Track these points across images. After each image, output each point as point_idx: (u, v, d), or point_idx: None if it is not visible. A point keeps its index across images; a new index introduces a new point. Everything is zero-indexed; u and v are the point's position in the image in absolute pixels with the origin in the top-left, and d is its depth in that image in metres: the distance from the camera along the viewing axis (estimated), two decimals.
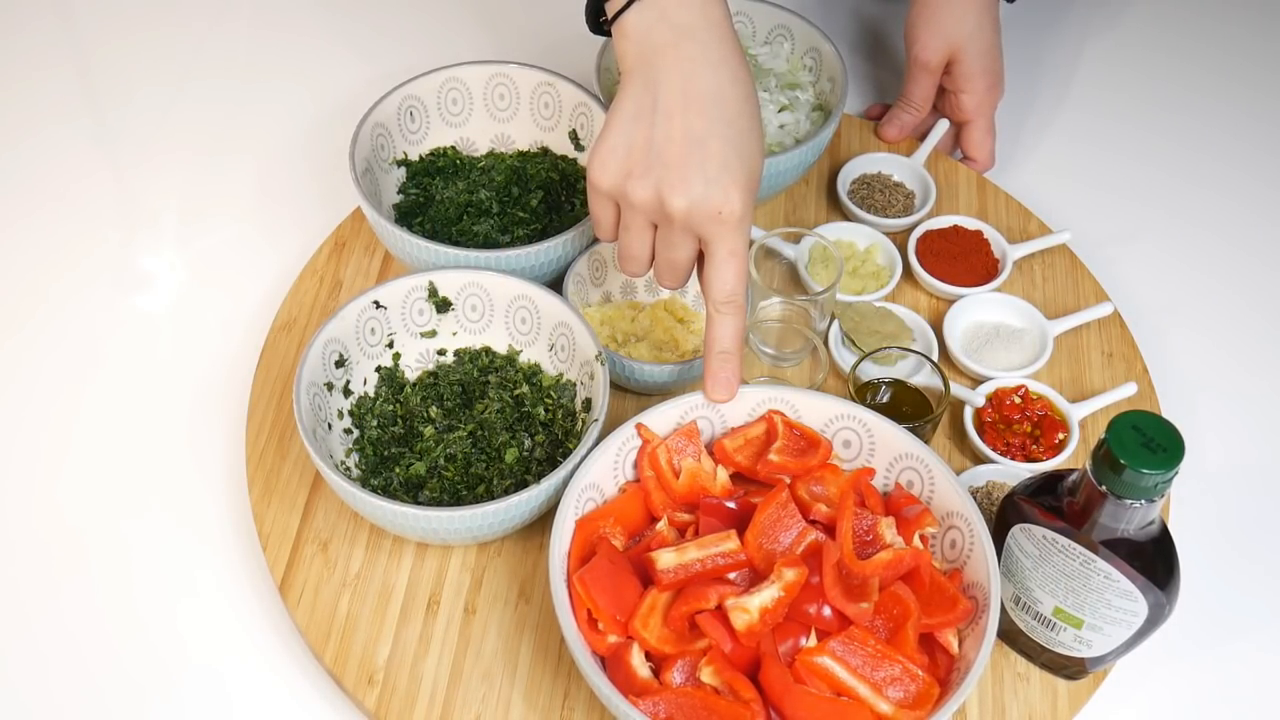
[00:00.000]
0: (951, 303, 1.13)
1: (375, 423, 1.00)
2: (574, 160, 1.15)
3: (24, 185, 1.24)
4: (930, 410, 1.01)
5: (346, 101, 1.31)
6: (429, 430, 0.99)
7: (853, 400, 0.99)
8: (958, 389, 1.04)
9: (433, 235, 1.09)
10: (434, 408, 1.00)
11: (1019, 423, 1.05)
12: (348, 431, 1.00)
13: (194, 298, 1.16)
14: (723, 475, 0.93)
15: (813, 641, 0.83)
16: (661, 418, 0.94)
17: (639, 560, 0.88)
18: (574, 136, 1.14)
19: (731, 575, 0.87)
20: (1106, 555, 0.83)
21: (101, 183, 1.25)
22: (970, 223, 1.17)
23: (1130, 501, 0.80)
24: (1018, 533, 0.88)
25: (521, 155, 1.15)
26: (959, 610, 0.85)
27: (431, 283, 1.01)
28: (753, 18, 1.23)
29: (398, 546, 0.98)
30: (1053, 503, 0.86)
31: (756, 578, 0.86)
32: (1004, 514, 0.90)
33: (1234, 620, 0.99)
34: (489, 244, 1.08)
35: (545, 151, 1.16)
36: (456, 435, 0.98)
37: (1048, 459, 1.03)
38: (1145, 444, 0.78)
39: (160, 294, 1.18)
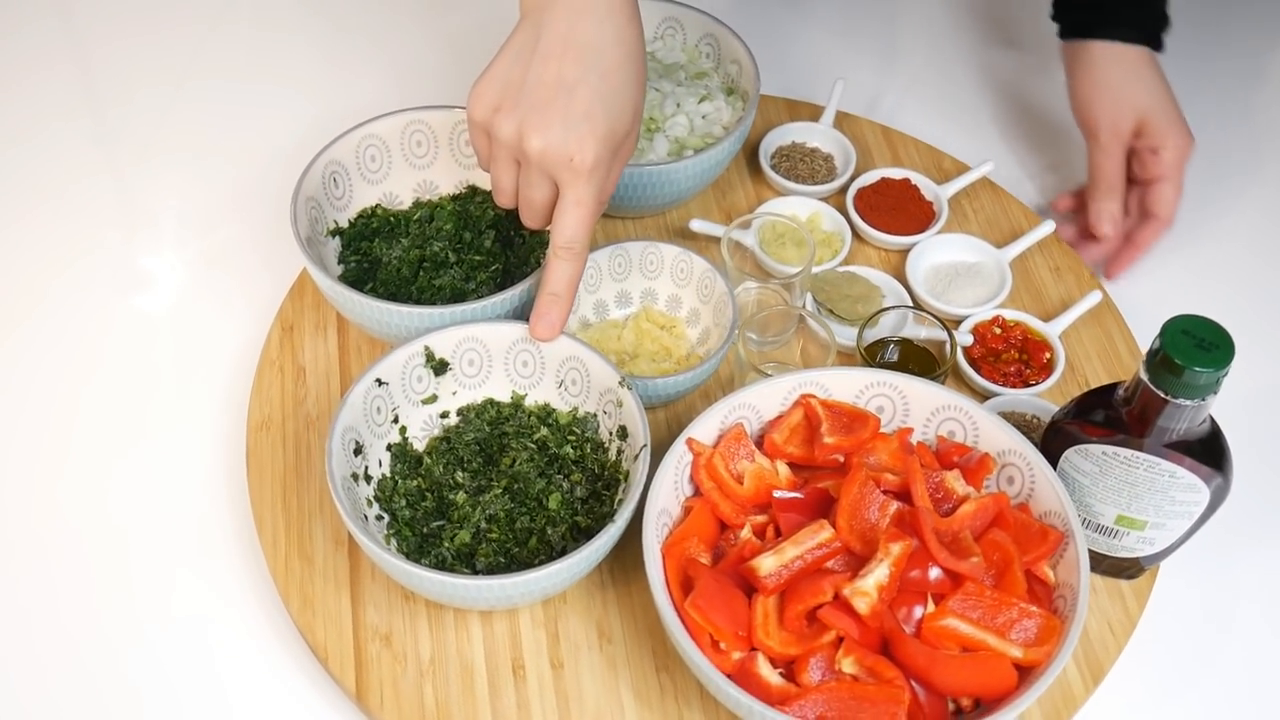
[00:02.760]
0: (904, 253, 1.16)
1: (404, 502, 0.96)
2: None
3: (24, 185, 1.25)
4: (934, 362, 1.04)
5: (346, 102, 1.31)
6: (460, 497, 0.96)
7: (868, 365, 1.00)
8: (932, 333, 1.06)
9: (393, 298, 1.05)
10: (458, 473, 0.97)
11: (1006, 352, 1.09)
12: (379, 518, 0.95)
13: (193, 298, 1.16)
14: (784, 469, 0.94)
15: (931, 607, 0.85)
16: (704, 428, 0.93)
17: (735, 572, 0.87)
18: None
19: (829, 564, 0.87)
20: (1170, 455, 0.87)
21: (101, 183, 1.26)
22: (895, 173, 1.20)
23: (1189, 402, 0.84)
24: (1072, 455, 0.92)
25: (458, 199, 1.12)
26: (1050, 540, 0.88)
27: (427, 347, 0.98)
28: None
29: (460, 620, 0.95)
30: (1101, 419, 0.90)
31: (856, 560, 0.87)
32: (1048, 442, 0.94)
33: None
34: (457, 296, 1.05)
35: (475, 190, 1.13)
36: (491, 494, 0.95)
37: (1043, 379, 1.07)
38: (1198, 345, 0.82)
39: (160, 294, 1.18)
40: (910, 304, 1.11)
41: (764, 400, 0.96)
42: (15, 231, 1.21)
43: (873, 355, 1.04)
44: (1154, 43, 1.13)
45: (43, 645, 0.95)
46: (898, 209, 1.18)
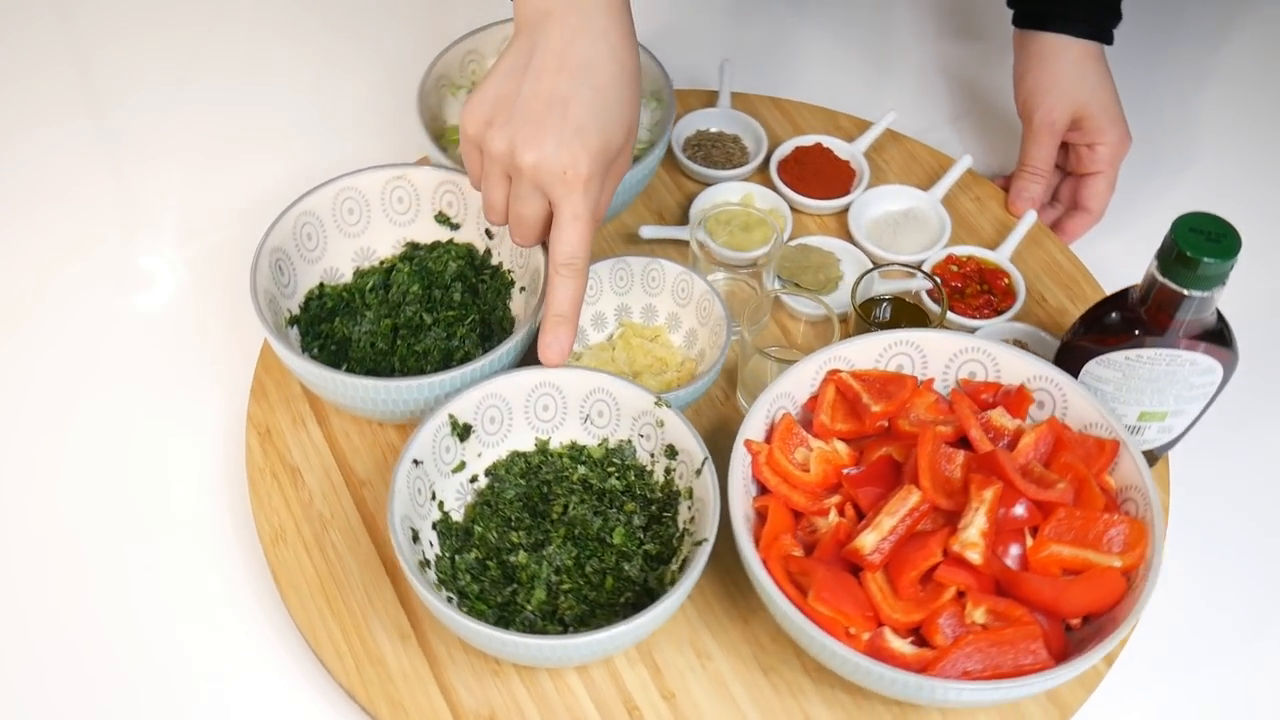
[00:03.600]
0: (838, 215, 1.19)
1: (468, 578, 0.92)
2: (443, 241, 1.09)
3: (24, 185, 1.25)
4: (923, 314, 1.07)
5: (347, 102, 1.32)
6: (521, 557, 0.93)
7: (865, 322, 1.03)
8: (908, 283, 1.10)
9: (375, 373, 1.01)
10: (512, 534, 0.94)
11: (968, 286, 1.13)
12: (449, 600, 0.91)
13: (193, 298, 1.16)
14: (842, 447, 0.95)
15: (1029, 540, 0.87)
16: (754, 426, 0.93)
17: (837, 557, 0.88)
18: (441, 217, 1.08)
19: (920, 526, 0.89)
20: (1189, 345, 0.93)
21: (101, 183, 1.26)
22: (806, 140, 1.23)
23: (1203, 293, 0.89)
24: (1092, 367, 0.96)
25: (410, 258, 1.08)
26: (1108, 450, 0.92)
27: (451, 415, 0.94)
28: None
29: (557, 678, 0.92)
30: (1117, 327, 0.94)
31: (943, 515, 0.89)
32: (1063, 363, 0.98)
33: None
34: (447, 356, 1.02)
35: (416, 245, 1.09)
36: (553, 546, 0.93)
37: (1010, 304, 1.12)
38: (1208, 238, 0.88)
39: (160, 294, 1.17)
40: (873, 263, 1.14)
41: (797, 386, 0.96)
42: (15, 231, 1.21)
43: (867, 312, 1.06)
44: (1103, 37, 1.15)
45: (39, 647, 0.95)
46: (820, 174, 1.20)
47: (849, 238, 1.17)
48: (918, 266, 1.09)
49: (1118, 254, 1.21)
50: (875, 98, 1.35)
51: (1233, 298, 0.97)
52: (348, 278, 1.08)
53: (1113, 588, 0.86)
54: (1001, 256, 1.15)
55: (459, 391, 0.94)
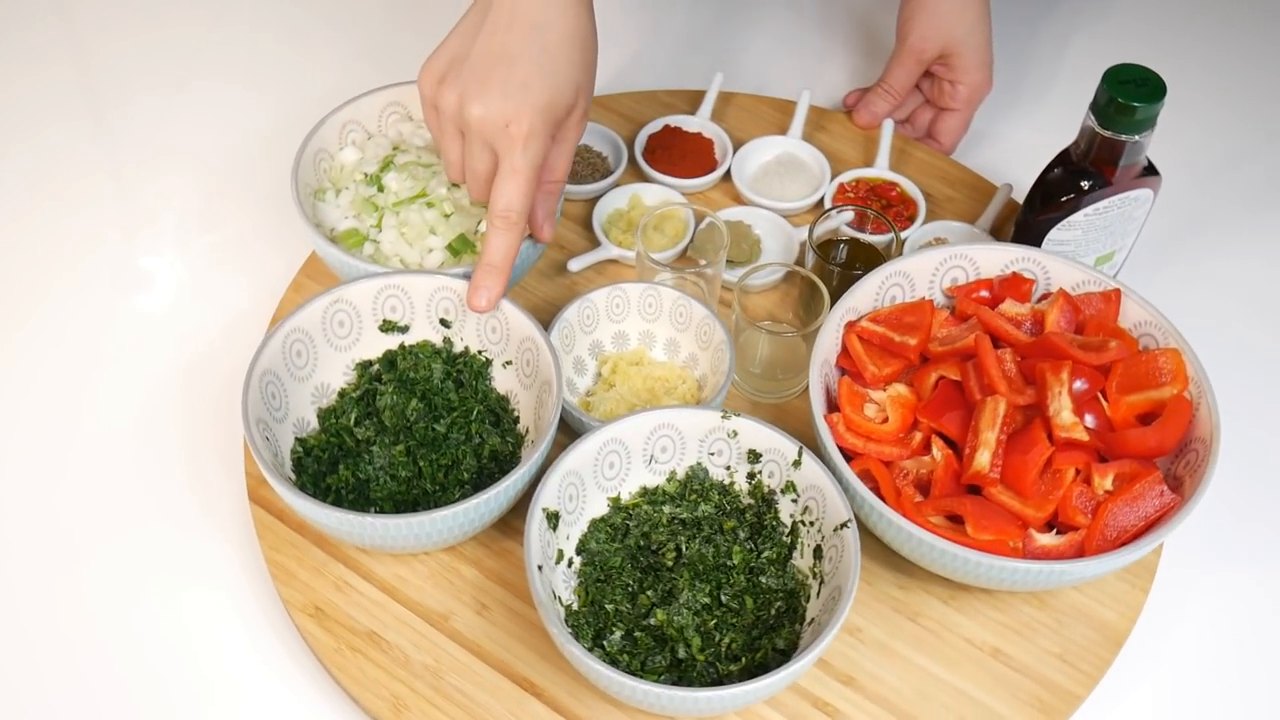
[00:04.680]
0: (723, 184, 1.21)
1: (626, 658, 0.89)
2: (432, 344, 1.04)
3: (24, 185, 1.24)
4: (874, 250, 1.11)
5: (349, 97, 1.20)
6: (660, 616, 0.90)
7: (826, 264, 1.07)
8: (834, 222, 1.13)
9: (409, 504, 0.95)
10: (641, 598, 0.91)
11: (876, 202, 1.18)
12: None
13: (193, 298, 1.15)
14: (903, 389, 0.97)
15: (1104, 404, 0.94)
16: (817, 400, 0.94)
17: (956, 488, 0.92)
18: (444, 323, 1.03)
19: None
20: (1133, 184, 1.02)
21: (101, 183, 1.25)
22: (654, 126, 1.23)
23: (1141, 135, 0.98)
24: (1055, 234, 1.04)
25: (389, 378, 1.00)
26: (1113, 299, 1.00)
27: (544, 510, 0.89)
28: None
29: (747, 711, 0.91)
30: (1067, 191, 1.02)
31: (1023, 411, 0.94)
32: (1023, 239, 1.05)
33: None
34: (479, 454, 0.97)
35: (367, 362, 1.02)
36: (685, 594, 0.91)
37: (914, 210, 1.18)
38: (1137, 84, 0.96)
39: (160, 294, 1.17)
40: (782, 218, 1.16)
41: (828, 349, 0.98)
42: (15, 231, 1.20)
43: (826, 254, 1.09)
44: None
45: (37, 649, 0.94)
46: (685, 154, 1.21)
47: (743, 202, 1.19)
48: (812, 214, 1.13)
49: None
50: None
51: None
52: (331, 399, 1.00)
53: (1185, 411, 0.94)
54: (882, 170, 1.20)
55: (538, 485, 0.89)
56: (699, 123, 1.23)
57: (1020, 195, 1.22)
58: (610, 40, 1.23)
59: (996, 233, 1.17)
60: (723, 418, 0.94)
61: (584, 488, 0.93)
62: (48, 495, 1.02)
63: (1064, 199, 1.02)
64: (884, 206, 1.18)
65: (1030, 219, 1.04)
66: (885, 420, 0.95)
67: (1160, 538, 0.87)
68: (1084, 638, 0.95)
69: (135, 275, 1.18)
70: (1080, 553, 0.89)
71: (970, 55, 1.18)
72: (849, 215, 1.11)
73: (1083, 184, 1.01)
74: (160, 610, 0.96)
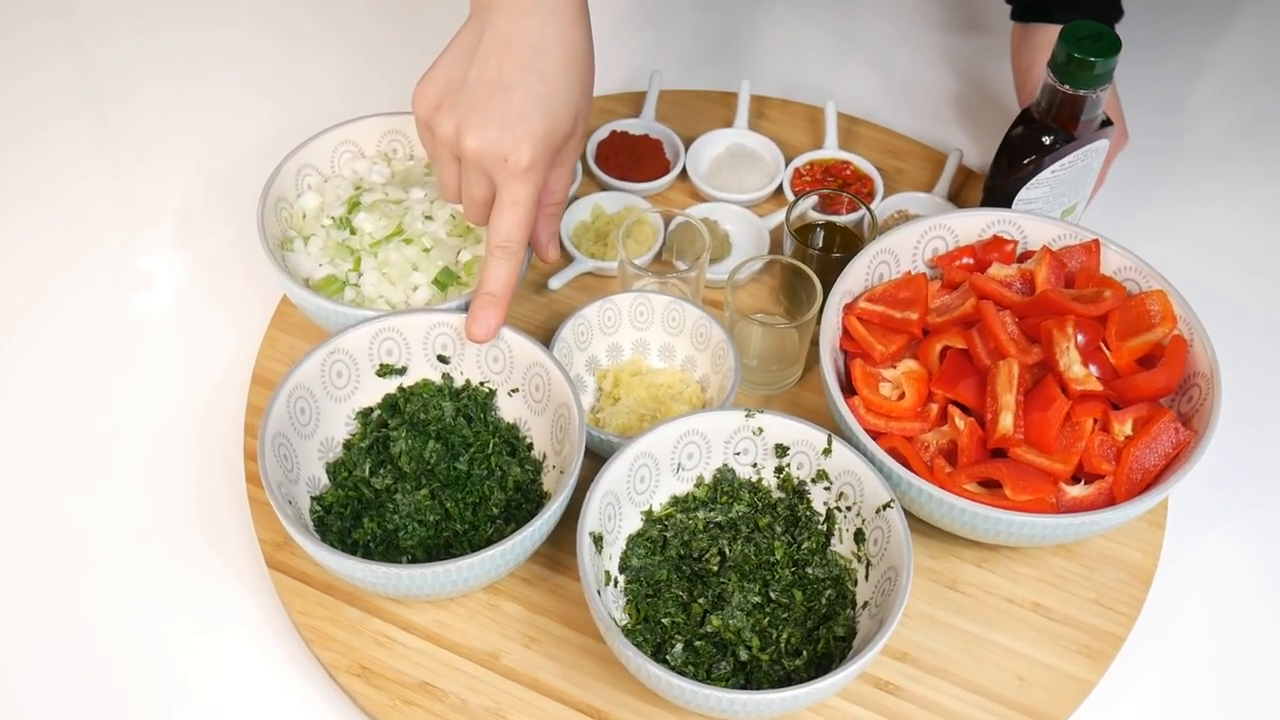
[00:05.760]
0: (680, 183, 1.21)
1: (691, 669, 0.89)
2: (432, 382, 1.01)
3: (24, 185, 1.24)
4: (849, 232, 1.12)
5: (347, 102, 1.30)
6: (715, 622, 0.90)
7: (795, 239, 1.07)
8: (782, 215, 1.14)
9: (442, 547, 0.93)
10: (694, 607, 0.91)
11: (833, 182, 1.19)
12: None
13: (193, 298, 1.15)
14: (913, 364, 0.99)
15: (1106, 352, 0.97)
16: (834, 385, 0.95)
17: (983, 454, 0.93)
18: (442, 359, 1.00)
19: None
20: (1094, 136, 1.05)
21: (101, 183, 1.25)
22: (602, 132, 1.22)
23: (1100, 89, 1.01)
24: (1025, 193, 1.06)
25: (396, 424, 0.98)
26: (1093, 248, 1.03)
27: (591, 534, 0.88)
28: None
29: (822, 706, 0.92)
30: (1033, 151, 1.04)
31: (1032, 369, 0.96)
32: (993, 202, 1.07)
33: None
34: (505, 485, 0.96)
35: (366, 410, 0.99)
36: (735, 596, 0.91)
37: (870, 186, 1.20)
38: (1093, 40, 0.99)
39: (159, 294, 1.17)
40: (746, 209, 1.17)
41: (832, 335, 0.99)
42: (15, 231, 1.20)
43: (804, 239, 1.10)
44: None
45: (35, 649, 0.94)
46: (638, 157, 1.20)
47: (703, 198, 1.19)
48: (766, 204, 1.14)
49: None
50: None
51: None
52: (338, 449, 0.97)
53: (1182, 349, 0.97)
54: (833, 150, 1.22)
55: (582, 509, 0.88)
56: (644, 124, 1.23)
57: (971, 160, 1.25)
58: None
59: (955, 199, 1.20)
60: (747, 416, 0.94)
61: (620, 506, 0.92)
62: (46, 495, 1.02)
63: (1031, 158, 1.04)
64: (841, 186, 1.19)
65: (1000, 181, 1.07)
66: (902, 396, 0.97)
67: (1184, 473, 0.90)
68: (1115, 580, 0.98)
69: (135, 275, 1.18)
70: (1111, 499, 0.91)
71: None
72: (813, 200, 1.11)
73: (1047, 141, 1.03)
74: (156, 609, 0.95)
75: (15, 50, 1.38)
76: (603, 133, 1.22)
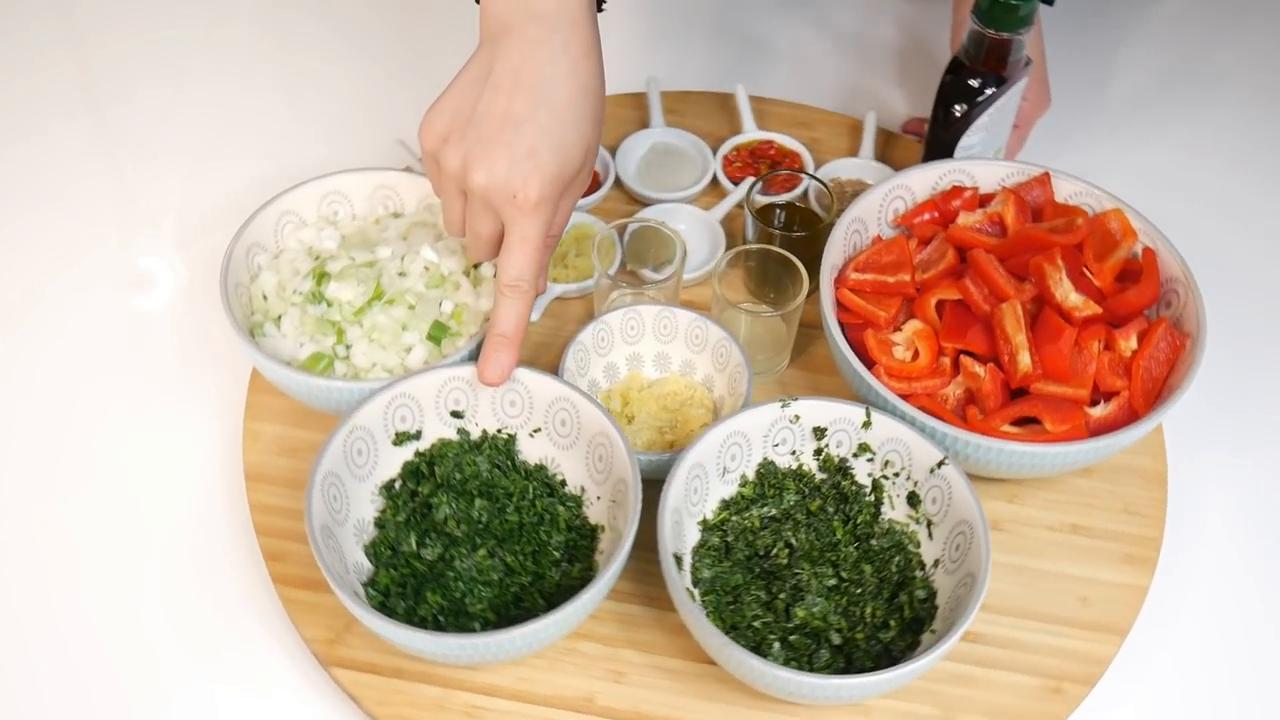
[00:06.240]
0: (617, 191, 1.20)
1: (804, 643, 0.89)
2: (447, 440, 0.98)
3: (24, 185, 1.24)
4: (816, 217, 1.13)
5: (348, 102, 1.33)
6: (800, 613, 0.91)
7: (760, 223, 1.09)
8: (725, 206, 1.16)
9: (513, 608, 0.91)
10: (797, 610, 0.91)
11: (760, 167, 1.21)
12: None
13: (193, 298, 1.15)
14: (918, 324, 1.01)
15: (1089, 275, 1.01)
16: (849, 358, 0.97)
17: (1005, 399, 0.97)
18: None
19: None
20: (1019, 75, 1.09)
21: (101, 183, 1.26)
22: None
23: (1023, 31, 1.05)
24: (964, 140, 1.10)
25: (416, 492, 0.95)
26: (1044, 179, 1.07)
27: (675, 554, 0.88)
28: None
29: None
30: (967, 98, 1.08)
31: (1031, 307, 1.00)
32: (935, 155, 1.11)
33: None
34: (560, 529, 0.94)
35: (389, 485, 0.96)
36: (813, 584, 0.92)
37: (800, 161, 1.21)
38: None
39: (160, 294, 1.17)
40: (689, 205, 1.17)
41: (834, 312, 1.00)
42: (15, 231, 1.20)
43: (767, 221, 1.11)
44: None
45: (37, 647, 0.93)
46: None
47: (643, 202, 1.19)
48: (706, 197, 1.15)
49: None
50: None
51: None
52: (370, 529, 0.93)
53: (1153, 260, 1.02)
54: (752, 133, 1.23)
55: (659, 532, 0.88)
56: None
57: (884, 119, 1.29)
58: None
59: (883, 158, 1.23)
60: (783, 407, 0.94)
61: (682, 521, 0.92)
62: (45, 495, 1.01)
63: (969, 105, 1.08)
64: (772, 165, 1.21)
65: (941, 133, 1.10)
66: (917, 356, 0.99)
67: (1193, 373, 0.95)
68: (1136, 487, 1.03)
69: (135, 275, 1.18)
70: (1131, 412, 0.96)
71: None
72: (756, 183, 1.12)
73: (976, 85, 1.07)
74: (157, 609, 0.95)
75: (15, 50, 1.38)
76: None
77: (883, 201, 1.07)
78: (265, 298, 1.01)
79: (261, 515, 0.98)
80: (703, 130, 1.25)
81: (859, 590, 0.92)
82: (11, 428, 1.06)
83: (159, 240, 1.20)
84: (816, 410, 0.95)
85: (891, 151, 1.25)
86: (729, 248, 1.14)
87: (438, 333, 0.98)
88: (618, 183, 1.19)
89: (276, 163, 1.24)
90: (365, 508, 0.94)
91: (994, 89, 1.07)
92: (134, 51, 1.38)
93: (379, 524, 0.94)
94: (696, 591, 0.92)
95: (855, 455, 0.96)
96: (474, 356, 0.96)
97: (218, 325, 1.11)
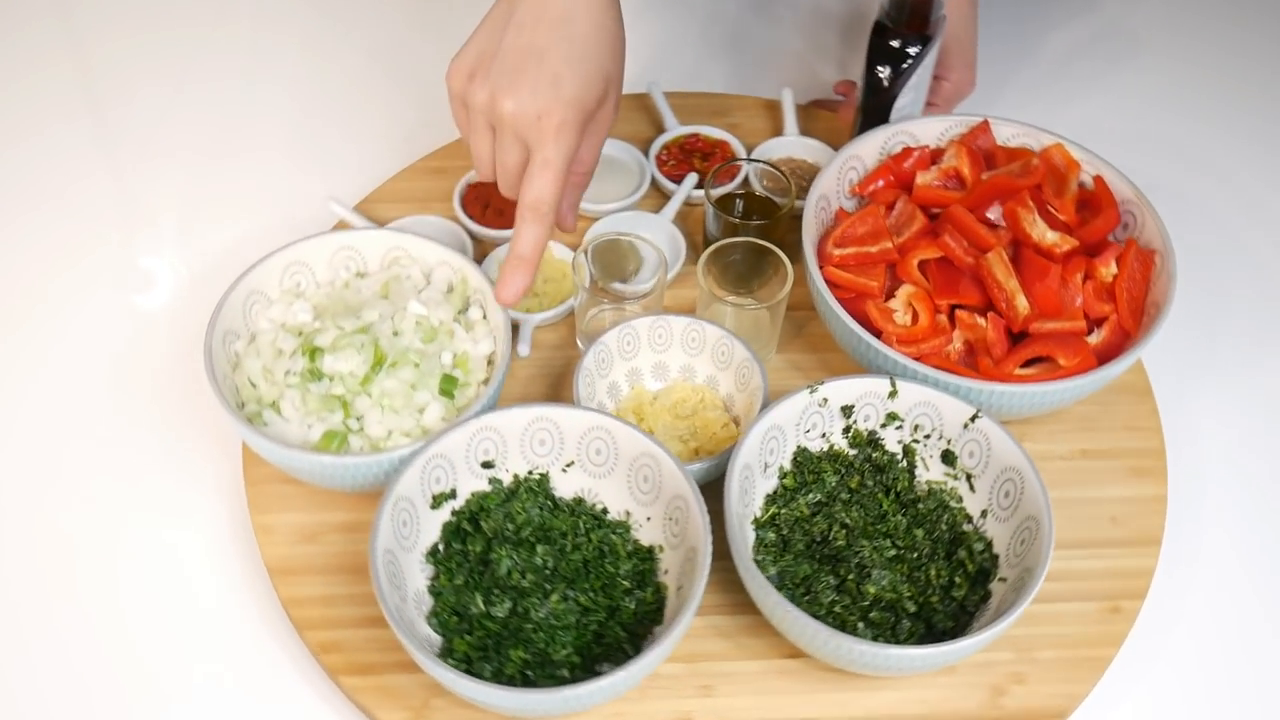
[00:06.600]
0: None
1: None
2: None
3: (24, 185, 1.25)
4: (764, 201, 1.14)
5: (348, 101, 1.33)
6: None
7: (723, 215, 1.10)
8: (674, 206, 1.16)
9: (595, 649, 0.90)
10: (822, 575, 0.93)
11: (695, 161, 1.21)
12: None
13: (193, 298, 1.14)
14: (911, 288, 1.03)
15: (1052, 210, 1.06)
16: (861, 333, 0.99)
17: (1009, 345, 1.00)
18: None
19: None
20: (938, 31, 1.12)
21: (101, 183, 1.26)
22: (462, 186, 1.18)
23: None
24: (901, 98, 1.13)
25: (468, 553, 0.92)
26: (982, 126, 1.11)
27: (755, 561, 0.88)
28: None
29: None
30: (896, 61, 1.11)
31: (1014, 253, 1.03)
32: (873, 121, 1.13)
33: None
34: (621, 555, 0.93)
35: (436, 550, 0.93)
36: (886, 573, 0.94)
37: (729, 149, 1.22)
38: None
39: (160, 294, 1.17)
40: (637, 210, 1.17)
41: (827, 292, 1.02)
42: (15, 231, 1.20)
43: (727, 211, 1.12)
44: None
45: (36, 649, 0.93)
46: (505, 202, 1.17)
47: (591, 217, 1.18)
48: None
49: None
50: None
51: None
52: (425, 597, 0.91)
53: (1104, 186, 1.07)
54: (676, 129, 1.23)
55: (732, 544, 0.88)
56: None
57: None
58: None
59: (806, 133, 1.24)
60: (811, 392, 0.95)
61: (741, 526, 0.92)
62: (45, 496, 1.01)
63: (899, 67, 1.10)
64: (703, 157, 1.21)
65: (876, 99, 1.12)
66: (916, 319, 1.01)
67: (1173, 289, 1.00)
68: (1125, 403, 1.07)
69: (135, 275, 1.18)
70: (1123, 333, 1.00)
71: (956, 52, 1.18)
72: (686, 181, 1.12)
73: (898, 44, 1.10)
74: (154, 612, 0.95)
75: (15, 50, 1.38)
76: (461, 187, 1.17)
77: (839, 175, 1.09)
78: (254, 384, 0.96)
79: (300, 610, 0.94)
80: (628, 134, 1.25)
81: (916, 555, 0.94)
82: (11, 426, 1.05)
83: (159, 240, 1.20)
84: (842, 389, 0.96)
85: (813, 125, 1.27)
86: (689, 246, 1.14)
87: (449, 386, 0.96)
88: None
89: (278, 161, 1.27)
90: (418, 578, 0.91)
91: (919, 47, 1.10)
92: (134, 51, 1.38)
93: (433, 592, 0.91)
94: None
95: (883, 426, 0.98)
96: (493, 404, 0.94)
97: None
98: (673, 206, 1.16)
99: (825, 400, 0.96)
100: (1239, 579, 1.00)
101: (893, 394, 0.96)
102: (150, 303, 1.15)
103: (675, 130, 1.23)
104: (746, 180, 1.16)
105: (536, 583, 0.90)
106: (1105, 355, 0.99)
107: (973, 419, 0.94)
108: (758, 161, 1.14)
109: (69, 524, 0.99)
